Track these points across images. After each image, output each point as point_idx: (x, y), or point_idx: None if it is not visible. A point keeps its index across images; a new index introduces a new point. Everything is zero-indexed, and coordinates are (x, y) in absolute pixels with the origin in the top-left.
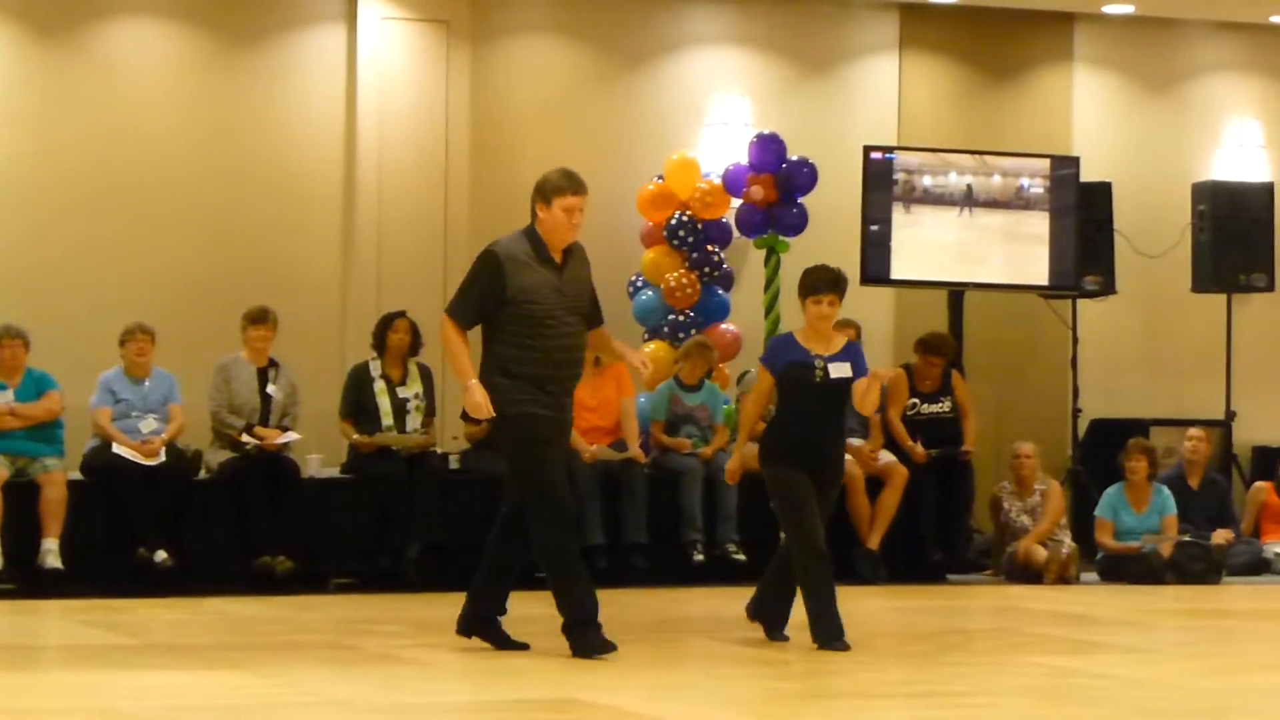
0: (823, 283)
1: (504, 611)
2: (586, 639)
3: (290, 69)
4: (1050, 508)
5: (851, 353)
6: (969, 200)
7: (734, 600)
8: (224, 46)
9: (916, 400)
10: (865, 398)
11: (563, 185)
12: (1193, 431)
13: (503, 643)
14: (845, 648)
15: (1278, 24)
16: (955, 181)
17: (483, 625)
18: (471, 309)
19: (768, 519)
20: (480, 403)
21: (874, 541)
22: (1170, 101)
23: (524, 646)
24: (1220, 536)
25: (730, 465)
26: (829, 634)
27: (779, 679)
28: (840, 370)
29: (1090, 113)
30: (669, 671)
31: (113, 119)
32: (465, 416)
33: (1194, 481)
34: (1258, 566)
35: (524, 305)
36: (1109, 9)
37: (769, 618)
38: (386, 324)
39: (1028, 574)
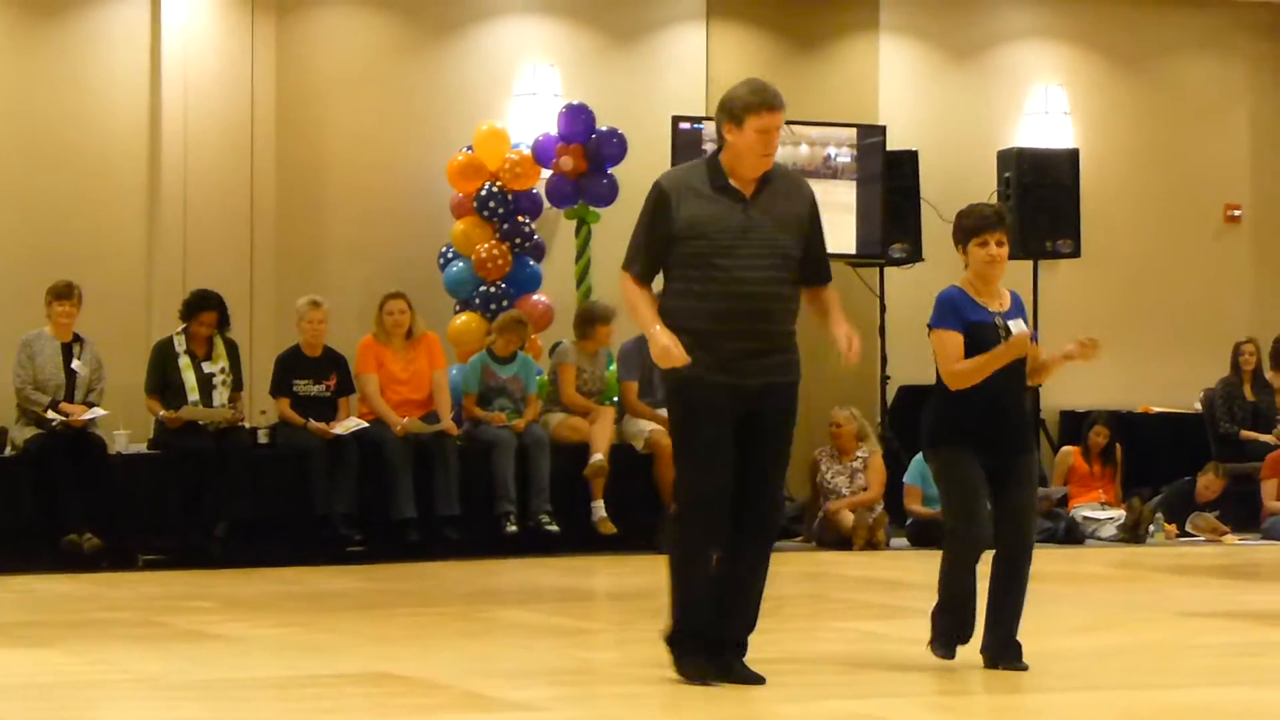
0: (986, 219)
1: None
2: (685, 659)
3: (94, 40)
4: (872, 478)
5: (1020, 307)
6: None
7: (546, 571)
8: (27, 19)
9: None
10: (1041, 368)
11: (755, 101)
12: None
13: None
14: (952, 657)
15: None
16: None
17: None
18: (643, 253)
19: (580, 490)
20: (667, 345)
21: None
22: (975, 69)
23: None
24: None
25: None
26: (948, 644)
27: (590, 649)
28: (1019, 327)
29: (896, 81)
30: (481, 643)
31: None
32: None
33: None
34: (1076, 533)
35: (690, 242)
36: None
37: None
38: (192, 313)
39: (838, 539)
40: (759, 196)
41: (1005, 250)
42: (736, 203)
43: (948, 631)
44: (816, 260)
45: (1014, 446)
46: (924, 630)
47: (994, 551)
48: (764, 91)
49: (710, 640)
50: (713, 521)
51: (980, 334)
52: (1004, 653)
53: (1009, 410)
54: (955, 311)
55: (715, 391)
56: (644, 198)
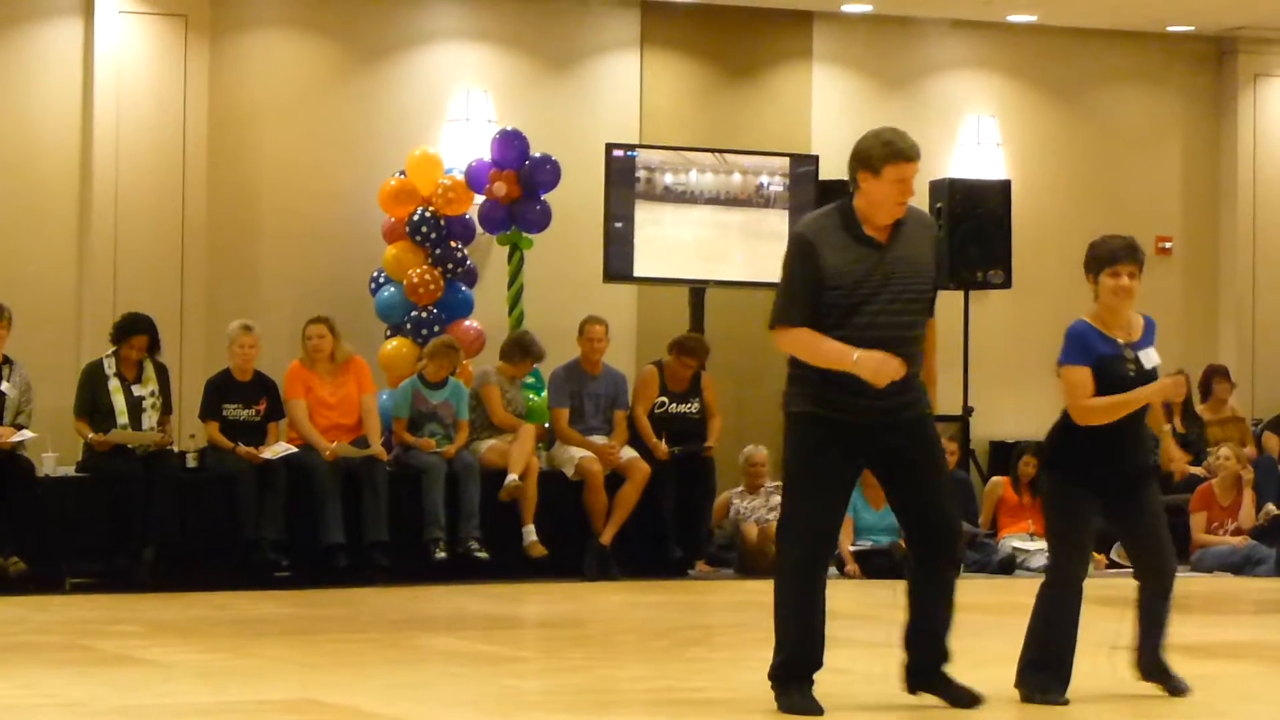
0: (1121, 250)
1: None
2: (787, 694)
3: (25, 63)
4: None
5: (1151, 332)
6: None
7: (475, 598)
8: None
9: (665, 399)
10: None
11: (894, 152)
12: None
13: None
14: (1064, 703)
15: (1014, 23)
16: (696, 180)
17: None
18: (798, 301)
19: (510, 516)
20: (882, 360)
21: (607, 537)
22: (908, 99)
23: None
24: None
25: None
26: (1048, 687)
27: (519, 677)
28: (1151, 359)
29: (829, 111)
30: (409, 670)
31: None
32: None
33: None
34: (1009, 565)
35: (830, 292)
36: (847, 8)
37: (1151, 663)
38: (123, 336)
39: (762, 565)
40: (894, 242)
41: (1136, 284)
42: (875, 251)
43: (1047, 683)
44: (932, 298)
45: (1138, 478)
46: (854, 660)
47: (1138, 583)
48: (902, 141)
49: (812, 673)
50: (818, 555)
51: (1110, 367)
52: (1154, 671)
53: (1131, 442)
54: (1084, 346)
55: (833, 427)
56: (577, 224)
